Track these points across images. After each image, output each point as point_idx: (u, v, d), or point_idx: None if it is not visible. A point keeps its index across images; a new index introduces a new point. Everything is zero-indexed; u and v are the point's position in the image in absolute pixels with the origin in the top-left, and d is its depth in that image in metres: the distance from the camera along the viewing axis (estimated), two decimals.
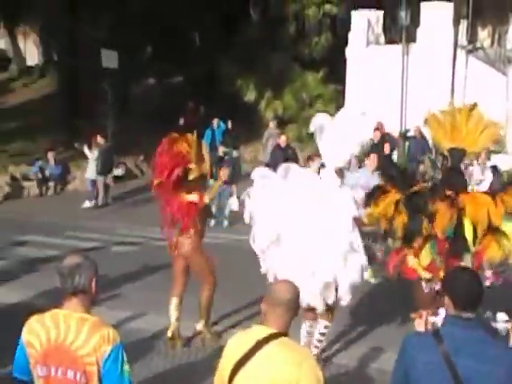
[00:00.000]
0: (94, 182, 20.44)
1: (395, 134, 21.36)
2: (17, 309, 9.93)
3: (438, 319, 4.90)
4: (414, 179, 8.30)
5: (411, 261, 7.15)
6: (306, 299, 7.14)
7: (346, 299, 7.76)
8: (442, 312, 4.64)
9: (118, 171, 23.05)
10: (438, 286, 6.62)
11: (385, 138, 18.41)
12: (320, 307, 7.63)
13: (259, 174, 8.01)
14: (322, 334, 7.88)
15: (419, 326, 5.08)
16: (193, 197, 8.39)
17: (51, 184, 22.63)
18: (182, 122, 23.38)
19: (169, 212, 8.47)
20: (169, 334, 8.46)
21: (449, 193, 7.02)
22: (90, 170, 20.63)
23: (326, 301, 7.61)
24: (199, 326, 8.68)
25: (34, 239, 15.26)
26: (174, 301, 8.50)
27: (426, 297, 7.04)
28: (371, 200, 7.39)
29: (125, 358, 3.91)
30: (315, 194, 7.63)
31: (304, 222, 7.52)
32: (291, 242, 7.53)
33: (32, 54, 42.71)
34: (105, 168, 20.41)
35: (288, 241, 7.56)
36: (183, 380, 7.68)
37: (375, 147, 16.59)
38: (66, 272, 3.97)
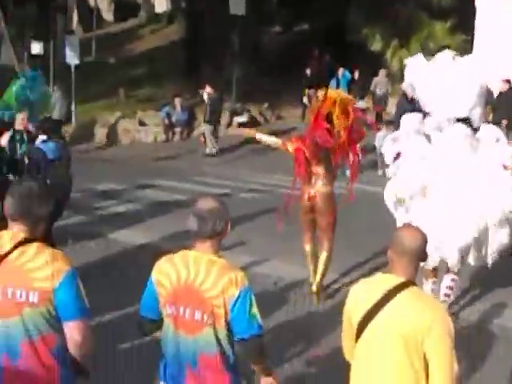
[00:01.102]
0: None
1: None
2: (142, 251, 10.27)
3: None
4: None
5: None
6: (444, 253, 7.05)
7: (490, 260, 7.64)
8: None
9: (242, 118, 23.24)
10: None
11: None
12: (457, 263, 7.52)
13: (408, 122, 7.89)
14: (450, 288, 7.78)
15: None
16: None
17: (177, 130, 23.04)
18: (308, 72, 23.30)
19: (307, 164, 8.37)
20: (313, 288, 8.46)
21: None
22: None
23: (464, 258, 7.51)
24: (314, 285, 8.56)
25: (161, 183, 15.64)
26: (308, 252, 8.54)
27: None
28: None
29: (253, 302, 3.93)
30: (470, 148, 7.46)
31: (457, 175, 7.37)
32: (440, 195, 7.40)
33: (160, 0, 43.24)
34: (212, 117, 20.48)
35: (437, 193, 7.42)
36: (307, 328, 7.75)
37: (504, 99, 16.04)
38: (203, 215, 3.98)
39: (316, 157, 8.27)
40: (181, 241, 9.95)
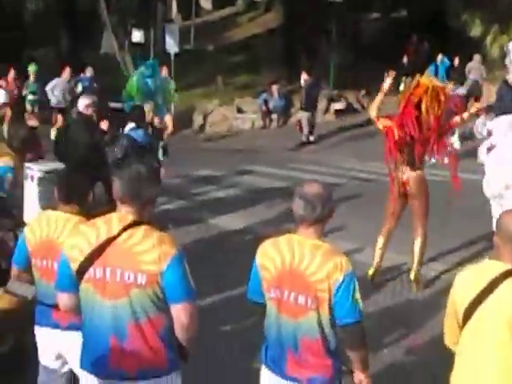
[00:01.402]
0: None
1: None
2: (242, 236, 10.40)
3: None
4: None
5: None
6: None
7: None
8: None
9: (339, 105, 23.18)
10: None
11: None
12: None
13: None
14: None
15: None
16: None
17: (274, 116, 23.13)
18: (405, 60, 23.05)
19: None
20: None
21: None
22: None
23: None
24: (412, 272, 8.40)
25: (259, 169, 15.74)
26: (379, 245, 8.48)
27: None
28: None
29: (356, 287, 3.92)
30: None
31: None
32: None
33: None
34: (307, 104, 20.39)
35: None
36: (406, 315, 7.72)
37: None
38: (310, 200, 3.99)
39: (403, 142, 8.18)
40: (279, 226, 10.12)
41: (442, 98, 8.17)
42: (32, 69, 20.45)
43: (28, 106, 19.82)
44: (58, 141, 10.49)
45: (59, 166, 8.42)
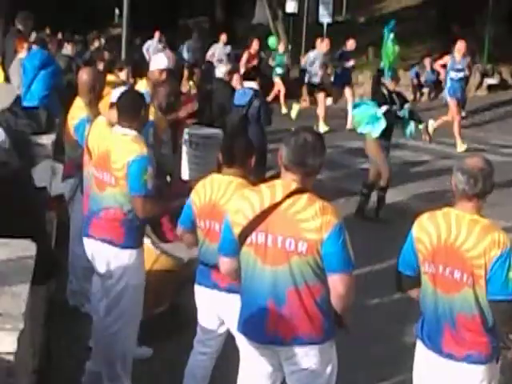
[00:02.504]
0: None
1: None
2: (391, 209, 10.37)
3: None
4: None
5: None
6: None
7: None
8: None
9: (493, 80, 22.51)
10: None
11: None
12: None
13: None
14: None
15: None
16: None
17: (425, 90, 22.75)
18: None
19: None
20: None
21: None
22: None
23: None
24: None
25: (407, 143, 15.52)
26: None
27: None
28: None
29: None
30: None
31: None
32: None
33: None
34: None
35: None
36: None
37: None
38: (474, 174, 3.97)
39: None
40: (428, 199, 10.00)
41: None
42: (271, 42, 21.23)
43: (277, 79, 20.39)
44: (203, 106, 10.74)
45: (216, 131, 8.63)
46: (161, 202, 5.51)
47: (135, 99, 5.52)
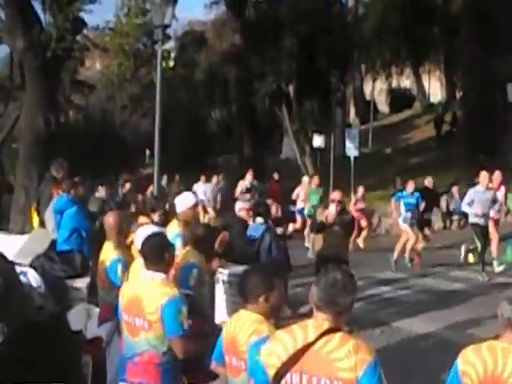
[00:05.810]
0: None
1: None
2: (424, 340, 10.24)
3: None
4: None
5: None
6: None
7: None
8: None
9: None
10: None
11: None
12: None
13: None
14: None
15: None
16: None
17: (455, 218, 22.88)
18: None
19: None
20: None
21: None
22: None
23: None
24: None
25: (438, 271, 15.57)
26: None
27: None
28: None
29: None
30: None
31: None
32: None
33: (435, 91, 43.59)
34: None
35: None
36: None
37: None
38: None
39: None
40: (462, 330, 9.88)
41: None
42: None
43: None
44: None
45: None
46: (199, 341, 5.56)
47: (158, 243, 5.65)
